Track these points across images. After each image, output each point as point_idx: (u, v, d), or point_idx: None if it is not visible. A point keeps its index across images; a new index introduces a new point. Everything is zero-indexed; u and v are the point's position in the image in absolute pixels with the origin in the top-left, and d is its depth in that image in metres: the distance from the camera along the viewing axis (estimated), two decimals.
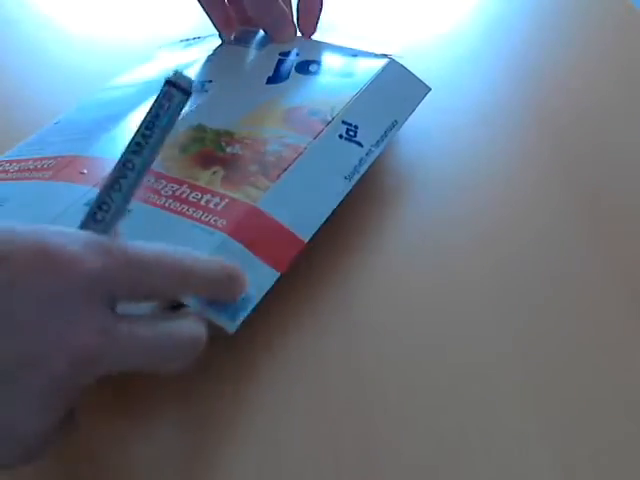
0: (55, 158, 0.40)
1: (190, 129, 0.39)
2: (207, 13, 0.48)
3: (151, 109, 0.28)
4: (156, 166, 0.37)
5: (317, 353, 0.34)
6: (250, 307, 0.33)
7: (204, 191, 0.35)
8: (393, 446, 0.30)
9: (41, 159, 0.40)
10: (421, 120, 0.48)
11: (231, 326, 0.32)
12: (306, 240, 0.37)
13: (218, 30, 0.48)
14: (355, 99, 0.42)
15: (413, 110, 0.45)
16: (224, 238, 0.33)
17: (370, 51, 0.46)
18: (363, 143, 0.42)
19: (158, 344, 0.27)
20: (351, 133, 0.41)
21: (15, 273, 0.23)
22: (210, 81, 0.44)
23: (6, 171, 0.40)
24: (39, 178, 0.38)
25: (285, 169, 0.37)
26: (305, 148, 0.38)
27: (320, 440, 0.30)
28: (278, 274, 0.35)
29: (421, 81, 0.46)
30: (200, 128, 0.39)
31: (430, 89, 0.46)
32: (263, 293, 0.34)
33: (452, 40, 0.56)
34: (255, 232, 0.34)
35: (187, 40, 0.53)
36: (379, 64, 0.45)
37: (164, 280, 0.27)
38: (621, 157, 0.43)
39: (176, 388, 0.32)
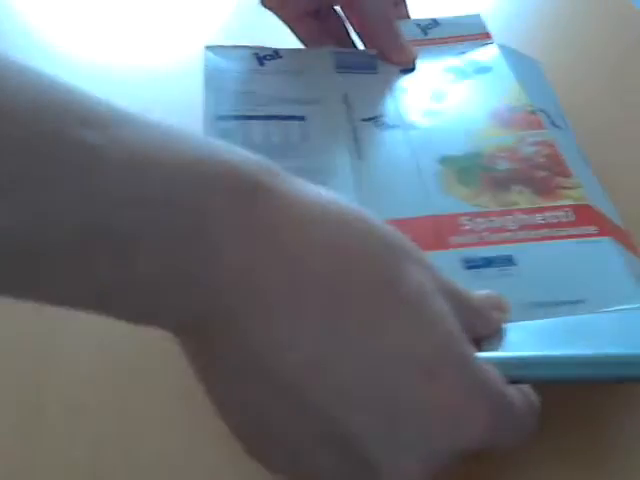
0: None
1: (437, 163, 0.37)
2: (290, 27, 0.47)
3: None
4: (461, 209, 0.34)
5: None
6: None
7: (541, 210, 0.34)
8: None
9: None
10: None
11: None
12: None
13: (304, 45, 0.48)
14: (522, 87, 0.42)
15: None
16: (610, 240, 0.32)
17: (476, 42, 0.46)
18: (562, 126, 0.41)
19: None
20: (551, 119, 0.41)
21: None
22: (380, 116, 0.40)
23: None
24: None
25: (564, 162, 0.37)
26: (554, 139, 0.38)
27: None
28: None
29: (527, 56, 0.46)
30: (448, 159, 0.37)
31: (541, 62, 0.46)
32: None
33: None
34: (611, 228, 0.34)
35: (248, 48, 0.45)
36: (494, 52, 0.45)
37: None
38: (622, 156, 0.45)
39: None
